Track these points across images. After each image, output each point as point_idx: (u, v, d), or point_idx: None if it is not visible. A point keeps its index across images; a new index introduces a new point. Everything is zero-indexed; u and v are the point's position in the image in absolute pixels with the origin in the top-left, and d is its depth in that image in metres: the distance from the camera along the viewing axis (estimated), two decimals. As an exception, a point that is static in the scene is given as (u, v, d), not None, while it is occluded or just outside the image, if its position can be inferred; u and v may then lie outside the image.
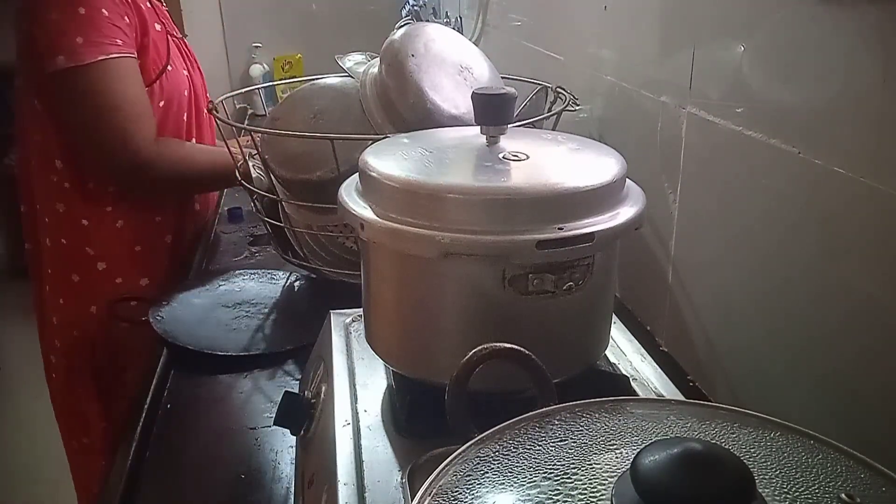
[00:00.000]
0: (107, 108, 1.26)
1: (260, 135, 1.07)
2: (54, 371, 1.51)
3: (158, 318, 1.10)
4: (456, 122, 0.94)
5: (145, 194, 1.42)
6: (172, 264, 1.49)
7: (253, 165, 1.18)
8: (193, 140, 1.50)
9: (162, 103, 1.40)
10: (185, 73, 1.47)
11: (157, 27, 1.41)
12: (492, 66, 1.08)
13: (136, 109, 1.30)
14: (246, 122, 1.20)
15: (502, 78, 1.11)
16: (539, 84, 1.14)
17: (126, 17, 1.29)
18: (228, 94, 1.14)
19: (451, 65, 1.02)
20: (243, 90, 1.39)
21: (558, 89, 1.07)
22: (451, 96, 0.98)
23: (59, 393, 1.51)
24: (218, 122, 1.04)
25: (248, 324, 1.11)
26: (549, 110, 1.05)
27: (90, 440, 1.50)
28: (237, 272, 1.27)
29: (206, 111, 1.49)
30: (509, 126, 0.67)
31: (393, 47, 1.00)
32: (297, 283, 1.23)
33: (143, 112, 1.31)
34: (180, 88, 1.44)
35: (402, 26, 1.83)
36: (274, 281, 1.24)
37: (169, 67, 1.41)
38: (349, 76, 1.09)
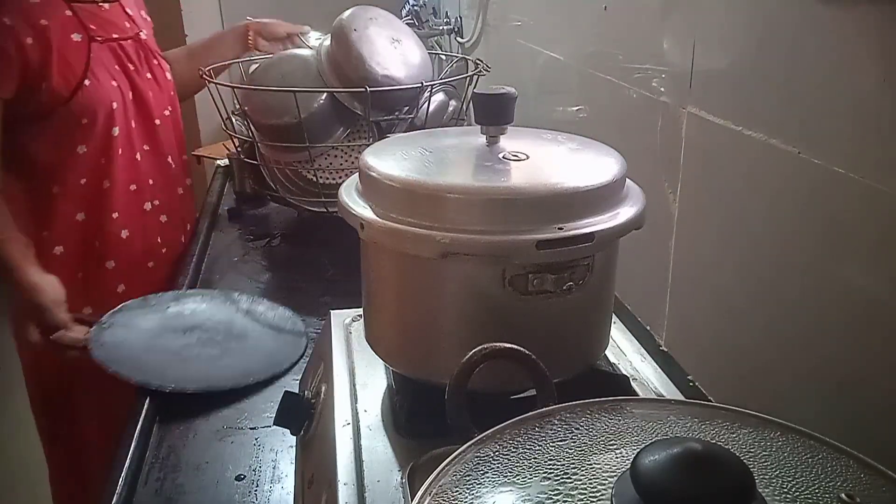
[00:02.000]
0: None
1: (242, 91, 1.39)
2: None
3: (99, 344, 1.01)
4: (388, 80, 1.30)
5: None
6: (125, 290, 1.40)
7: (235, 119, 1.52)
8: (137, 156, 1.40)
9: (85, 121, 1.31)
10: (115, 83, 1.34)
11: (76, 37, 1.29)
12: (419, 41, 1.42)
13: None
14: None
15: (429, 52, 1.47)
16: (457, 56, 1.65)
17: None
18: (218, 64, 1.47)
19: (386, 37, 1.36)
20: (228, 62, 1.56)
21: (477, 60, 1.45)
22: (385, 61, 1.32)
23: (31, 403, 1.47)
24: (209, 83, 1.33)
25: (199, 353, 1.00)
26: (469, 78, 1.41)
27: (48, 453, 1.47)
28: (188, 292, 1.18)
29: (159, 119, 1.43)
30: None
31: (340, 24, 1.35)
32: (254, 307, 1.13)
33: None
34: (105, 102, 1.32)
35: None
36: (229, 303, 1.14)
37: (87, 82, 1.29)
38: (310, 49, 1.45)
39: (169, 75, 1.49)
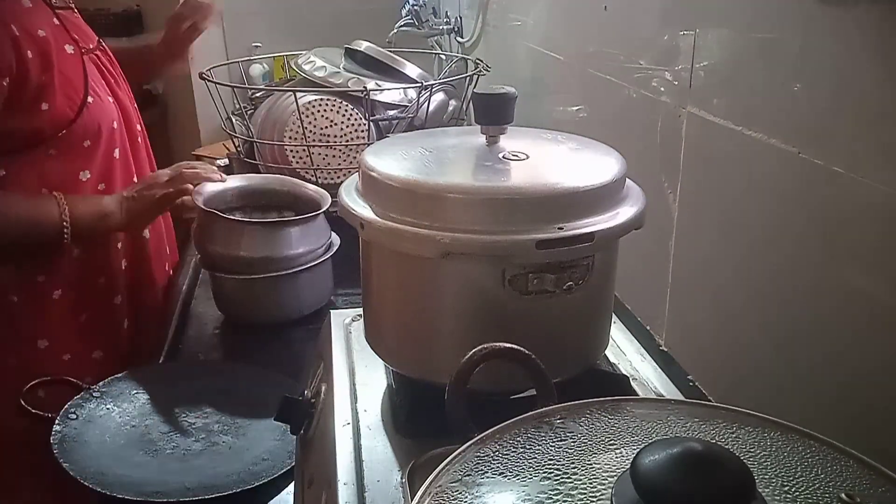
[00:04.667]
0: None
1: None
2: None
3: (57, 437, 0.90)
4: None
5: None
6: (130, 330, 1.31)
7: (236, 121, 1.53)
8: (135, 178, 1.28)
9: (87, 143, 1.17)
10: (111, 99, 1.23)
11: (69, 48, 1.16)
12: None
13: None
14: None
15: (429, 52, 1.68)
16: (457, 56, 1.72)
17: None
18: (219, 64, 1.52)
19: None
20: (229, 62, 1.58)
21: (477, 60, 1.51)
22: None
23: None
24: (208, 84, 1.36)
25: (178, 444, 0.90)
26: (469, 78, 1.48)
27: None
28: (226, 365, 1.08)
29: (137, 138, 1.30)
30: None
31: None
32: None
33: None
34: (108, 121, 1.20)
35: (402, 27, 1.93)
36: (257, 381, 1.01)
37: (90, 99, 1.16)
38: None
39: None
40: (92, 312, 1.25)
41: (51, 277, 1.19)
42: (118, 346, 1.27)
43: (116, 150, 1.23)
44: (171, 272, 1.42)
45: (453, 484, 0.40)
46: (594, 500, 0.37)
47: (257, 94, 1.67)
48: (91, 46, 1.23)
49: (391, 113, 1.46)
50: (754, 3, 0.73)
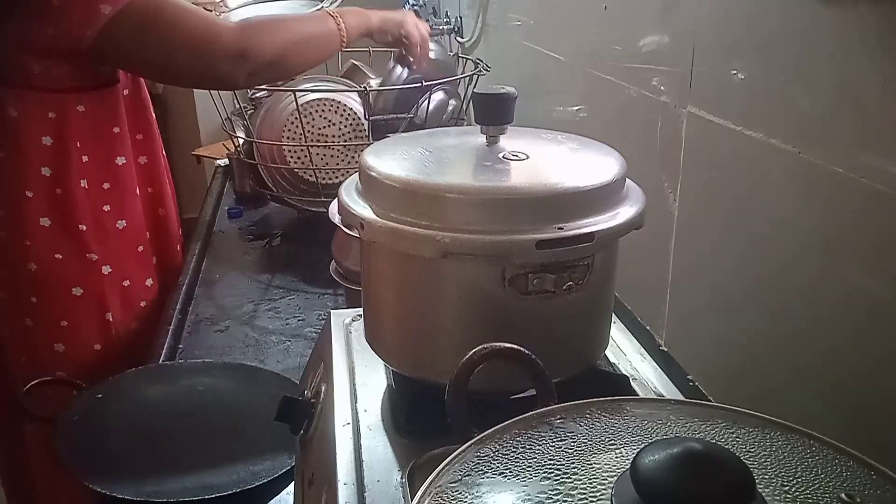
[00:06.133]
0: (176, 24, 1.15)
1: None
2: None
3: (57, 437, 0.90)
4: None
5: (257, 83, 1.35)
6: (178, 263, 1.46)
7: (236, 121, 1.57)
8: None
9: (126, 91, 1.28)
10: None
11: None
12: None
13: (197, 9, 1.19)
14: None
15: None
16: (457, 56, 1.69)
17: None
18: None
19: None
20: None
21: (477, 60, 1.53)
22: None
23: None
24: None
25: (164, 444, 0.90)
26: (469, 78, 1.49)
27: None
28: (214, 364, 1.07)
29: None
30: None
31: None
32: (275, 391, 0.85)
33: (202, 9, 1.21)
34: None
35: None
36: (253, 382, 1.01)
37: None
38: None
39: None
40: (152, 242, 1.36)
41: (115, 208, 1.27)
42: (169, 274, 1.40)
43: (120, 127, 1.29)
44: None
45: (453, 484, 0.40)
46: (594, 500, 0.37)
47: (257, 94, 1.67)
48: None
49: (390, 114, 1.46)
50: (754, 2, 0.73)
